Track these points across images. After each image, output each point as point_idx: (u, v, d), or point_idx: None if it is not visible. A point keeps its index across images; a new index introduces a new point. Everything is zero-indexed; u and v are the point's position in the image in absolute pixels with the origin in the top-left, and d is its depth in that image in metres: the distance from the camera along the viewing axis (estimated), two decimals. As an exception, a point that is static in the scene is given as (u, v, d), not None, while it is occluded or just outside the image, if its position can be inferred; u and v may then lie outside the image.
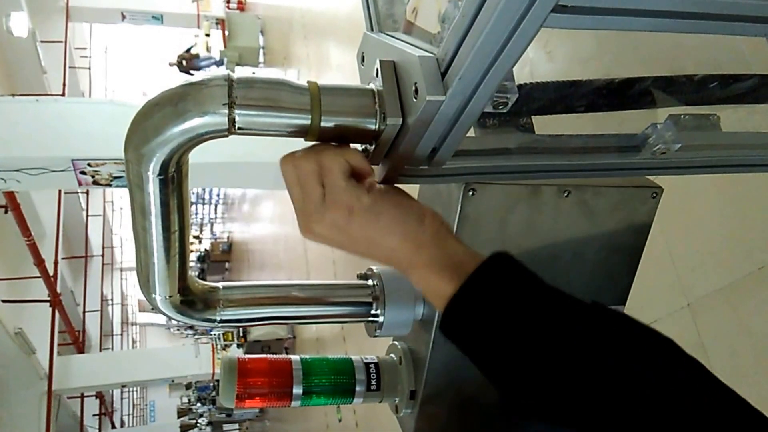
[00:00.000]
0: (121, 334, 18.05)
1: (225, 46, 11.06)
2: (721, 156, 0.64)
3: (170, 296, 0.64)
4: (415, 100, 0.47)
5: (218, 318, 0.67)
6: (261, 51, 11.37)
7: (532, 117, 0.61)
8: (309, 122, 0.51)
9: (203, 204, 20.69)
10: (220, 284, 0.68)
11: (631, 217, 0.72)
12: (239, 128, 0.49)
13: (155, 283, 0.62)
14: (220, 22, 12.03)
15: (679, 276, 2.13)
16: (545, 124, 0.67)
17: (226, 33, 11.02)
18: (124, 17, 11.88)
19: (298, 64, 8.75)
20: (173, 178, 0.53)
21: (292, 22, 9.03)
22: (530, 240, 0.70)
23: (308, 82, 0.52)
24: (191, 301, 0.65)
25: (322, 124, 0.51)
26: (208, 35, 11.69)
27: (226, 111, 0.48)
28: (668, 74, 0.56)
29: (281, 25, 10.15)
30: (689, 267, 2.11)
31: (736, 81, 0.56)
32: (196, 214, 19.65)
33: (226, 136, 0.50)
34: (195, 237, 21.18)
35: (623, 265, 0.74)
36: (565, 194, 0.68)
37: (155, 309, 0.67)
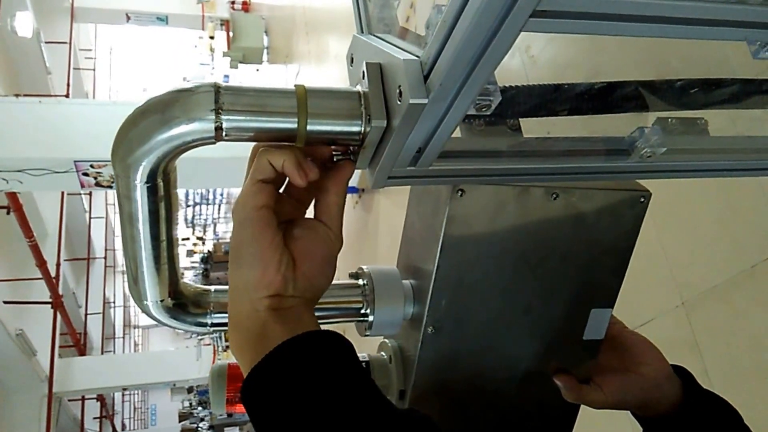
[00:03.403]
0: (123, 337, 18.10)
1: (229, 47, 11.10)
2: (709, 160, 0.65)
3: (161, 300, 0.64)
4: (399, 102, 0.48)
5: (209, 321, 0.67)
6: (265, 51, 11.41)
7: (520, 120, 0.62)
8: (296, 126, 0.52)
9: (207, 204, 20.70)
10: (212, 287, 0.69)
11: (619, 220, 0.72)
12: (226, 134, 0.50)
13: (146, 290, 0.63)
14: (225, 23, 12.08)
15: (673, 274, 2.15)
16: (541, 127, 0.68)
17: (230, 34, 11.05)
18: (129, 18, 11.94)
19: (299, 60, 8.82)
20: (161, 185, 0.54)
21: (295, 20, 9.12)
22: (518, 241, 0.71)
23: (295, 85, 0.53)
24: (183, 304, 0.66)
25: (309, 127, 0.52)
26: (212, 37, 11.73)
27: (213, 117, 0.49)
28: (651, 79, 0.57)
29: (284, 23, 10.23)
30: (683, 265, 2.14)
31: (718, 86, 0.57)
32: (200, 214, 19.68)
33: (213, 143, 0.51)
34: (198, 238, 21.22)
35: (611, 269, 0.75)
36: (553, 197, 0.69)
37: (147, 315, 0.67)
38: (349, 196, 6.20)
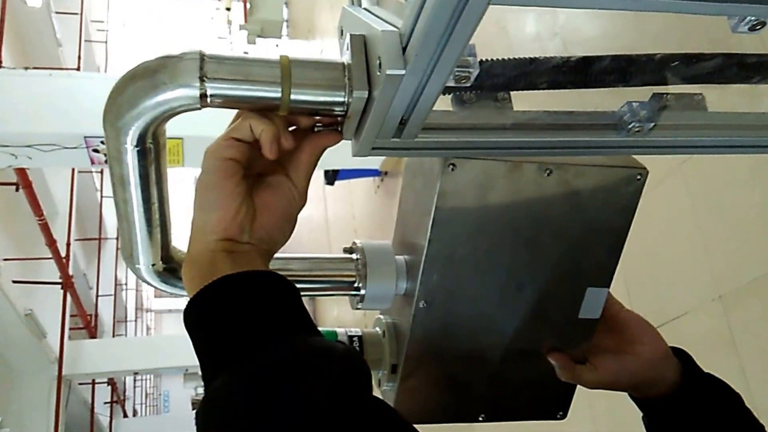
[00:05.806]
0: (135, 320, 18.37)
1: (246, 20, 11.10)
2: (707, 136, 0.68)
3: (153, 264, 0.70)
4: (379, 73, 0.52)
5: None
6: (285, 24, 11.39)
7: (511, 93, 0.65)
8: (279, 95, 0.56)
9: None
10: None
11: (615, 198, 0.75)
12: (211, 101, 0.55)
13: (138, 254, 0.68)
14: (243, -6, 12.04)
15: (712, 266, 2.14)
16: (541, 101, 0.70)
17: (248, 5, 11.04)
18: (142, -12, 11.97)
19: (322, 36, 8.82)
20: (150, 149, 0.59)
21: (319, -7, 9.15)
22: (511, 217, 0.74)
23: (280, 56, 0.57)
24: (173, 269, 0.71)
25: (292, 96, 0.56)
26: (228, 9, 11.74)
27: (198, 84, 0.54)
28: (627, 53, 0.60)
29: (306, -5, 10.25)
30: (721, 257, 2.12)
31: (699, 60, 0.60)
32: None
33: (199, 108, 0.56)
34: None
35: (607, 247, 0.78)
36: (547, 173, 0.72)
37: (140, 279, 0.73)
38: (370, 179, 6.22)
